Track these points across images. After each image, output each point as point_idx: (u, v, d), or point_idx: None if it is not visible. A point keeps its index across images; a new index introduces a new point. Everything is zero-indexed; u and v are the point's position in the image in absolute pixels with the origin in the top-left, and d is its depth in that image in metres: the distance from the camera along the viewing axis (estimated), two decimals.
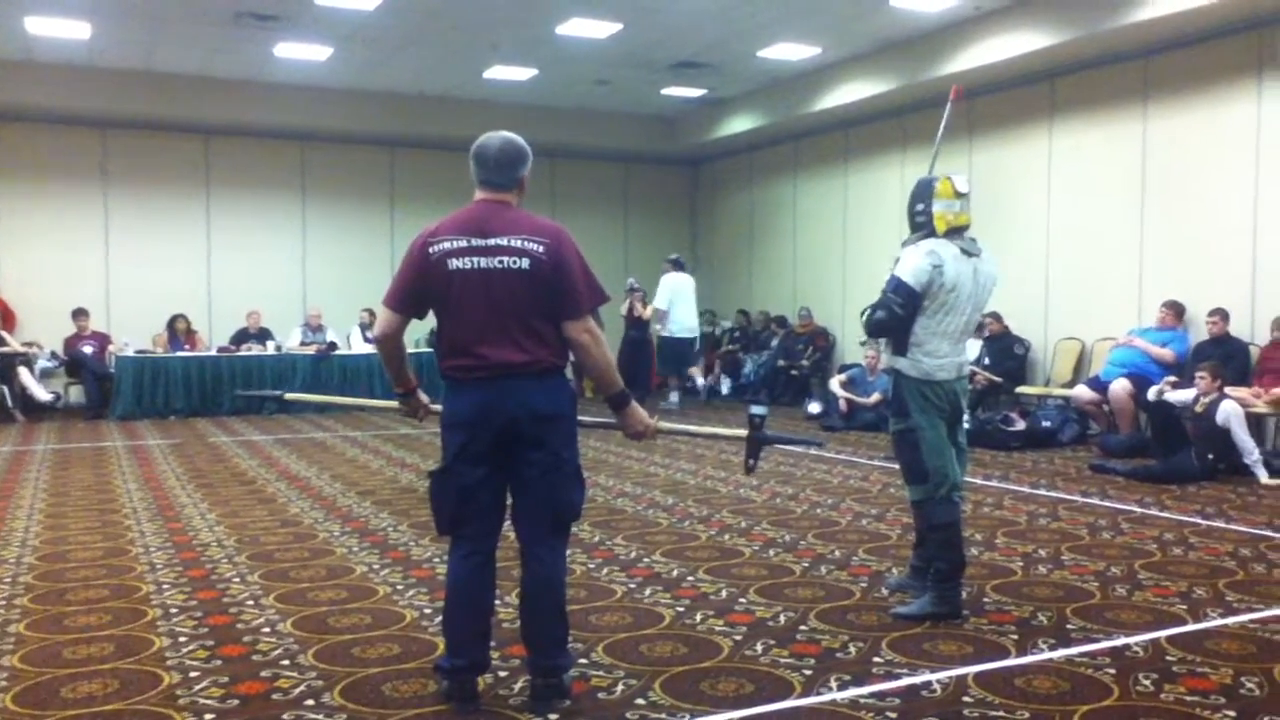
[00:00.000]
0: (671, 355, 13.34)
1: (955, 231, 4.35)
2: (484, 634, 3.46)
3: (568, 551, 3.68)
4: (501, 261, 3.33)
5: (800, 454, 9.30)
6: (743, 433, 3.95)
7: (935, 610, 4.26)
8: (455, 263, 3.34)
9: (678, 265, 13.66)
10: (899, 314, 4.27)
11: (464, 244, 3.35)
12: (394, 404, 3.83)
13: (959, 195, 4.35)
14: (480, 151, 3.52)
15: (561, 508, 3.44)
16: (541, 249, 3.36)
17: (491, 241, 3.35)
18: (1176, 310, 9.60)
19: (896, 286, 4.26)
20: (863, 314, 4.51)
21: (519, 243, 3.35)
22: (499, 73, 13.16)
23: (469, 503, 3.39)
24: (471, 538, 3.42)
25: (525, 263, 3.33)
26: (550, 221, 3.50)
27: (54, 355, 13.16)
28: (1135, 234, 10.42)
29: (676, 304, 13.12)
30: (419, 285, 3.40)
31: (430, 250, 3.37)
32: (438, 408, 3.57)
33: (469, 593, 3.42)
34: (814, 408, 12.17)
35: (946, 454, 4.34)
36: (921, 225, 4.40)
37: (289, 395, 3.87)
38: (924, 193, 4.40)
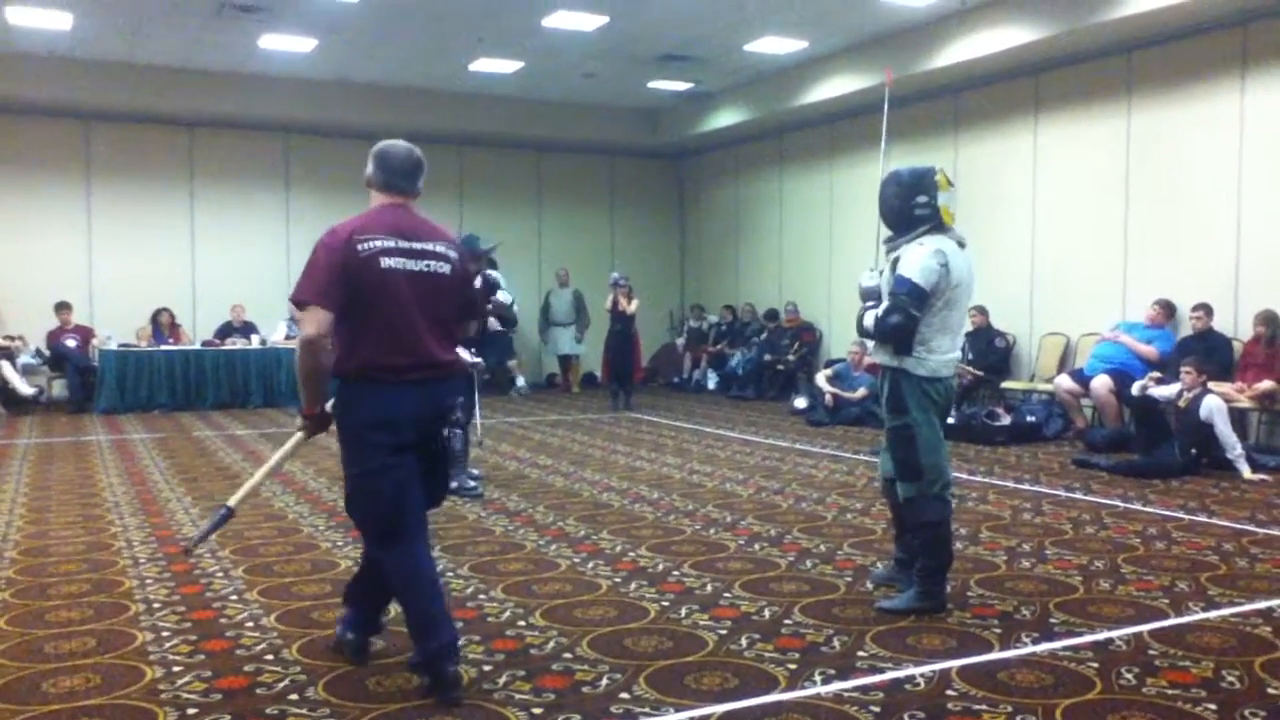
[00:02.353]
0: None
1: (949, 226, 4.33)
2: (442, 615, 3.48)
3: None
4: (429, 265, 3.49)
5: (786, 448, 9.32)
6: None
7: (920, 605, 4.28)
8: (387, 262, 3.40)
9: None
10: (915, 316, 4.17)
11: (393, 244, 3.43)
12: (298, 438, 3.66)
13: (952, 185, 4.35)
14: (390, 157, 3.58)
15: (442, 496, 3.77)
16: (457, 256, 3.60)
17: (418, 245, 3.48)
18: (1168, 309, 9.64)
19: (910, 289, 4.16)
20: (860, 318, 4.43)
21: (441, 249, 3.54)
22: (485, 65, 13.11)
23: (408, 497, 3.46)
24: (414, 532, 3.49)
25: (446, 268, 3.54)
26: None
27: (38, 353, 13.06)
28: (1119, 229, 10.46)
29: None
30: (346, 281, 3.36)
31: (360, 247, 3.38)
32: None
33: (425, 581, 3.48)
34: (800, 402, 12.19)
35: (942, 451, 4.33)
36: (924, 218, 4.28)
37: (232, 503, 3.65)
38: (926, 185, 4.29)
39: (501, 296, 6.98)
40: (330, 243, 3.41)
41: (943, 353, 4.26)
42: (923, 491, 4.29)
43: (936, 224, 4.27)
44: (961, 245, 4.33)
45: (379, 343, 3.40)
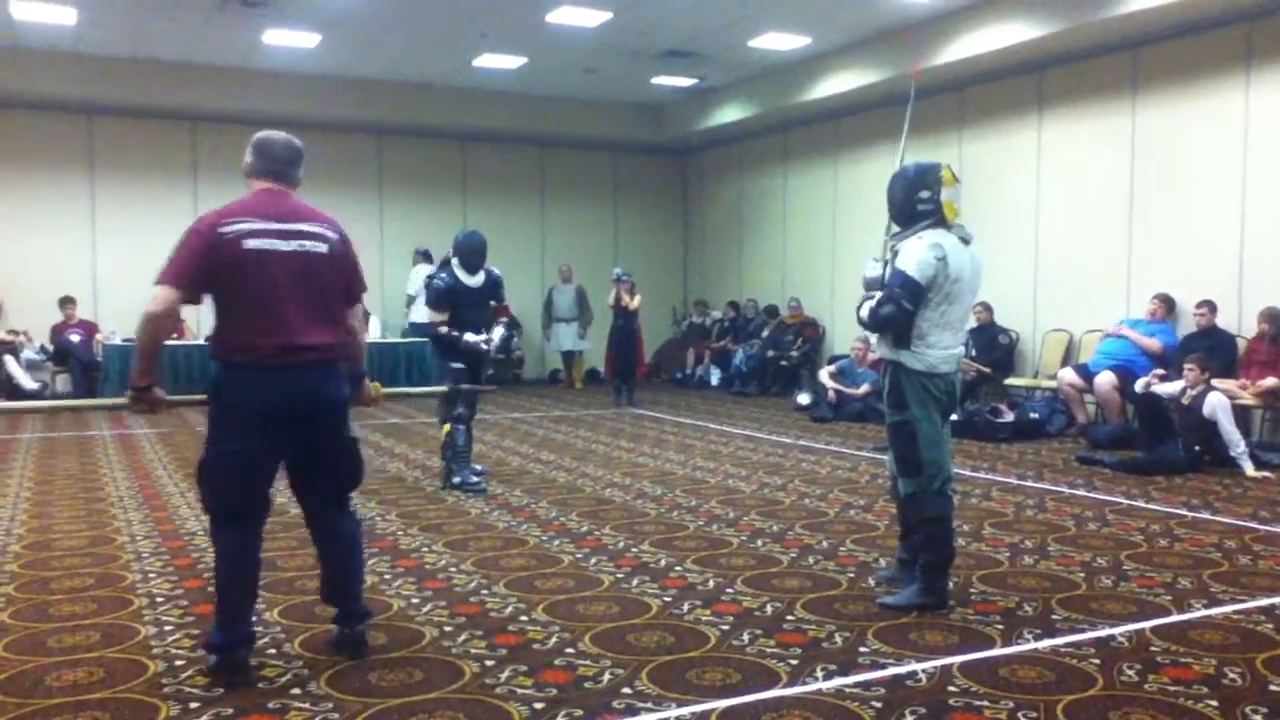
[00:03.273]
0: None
1: (954, 222, 4.31)
2: (251, 607, 3.61)
3: None
4: (303, 245, 3.47)
5: (789, 444, 9.32)
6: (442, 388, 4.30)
7: (922, 601, 4.27)
8: (252, 243, 3.39)
9: (426, 257, 14.12)
10: (907, 309, 4.18)
11: (261, 226, 3.42)
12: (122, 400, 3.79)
13: (957, 181, 4.33)
14: (270, 145, 3.61)
15: (346, 485, 3.73)
16: (336, 236, 3.58)
17: (291, 226, 3.47)
18: (1167, 304, 9.64)
19: (904, 282, 4.16)
20: (859, 308, 4.44)
21: (318, 228, 3.53)
22: (488, 61, 13.11)
23: (258, 482, 3.52)
24: (257, 515, 3.56)
25: (324, 248, 3.52)
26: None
27: (43, 349, 13.07)
28: (1124, 225, 10.44)
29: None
30: (207, 266, 3.40)
31: (222, 231, 3.39)
32: (170, 398, 3.72)
33: (251, 569, 3.54)
34: (803, 398, 12.18)
35: (943, 446, 4.32)
36: (927, 213, 4.27)
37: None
38: (930, 180, 4.28)
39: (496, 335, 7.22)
40: (196, 227, 3.44)
41: (942, 348, 4.24)
42: (924, 487, 4.29)
43: (939, 219, 4.26)
44: (965, 241, 4.31)
45: (246, 326, 3.42)
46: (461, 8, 10.96)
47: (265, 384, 3.44)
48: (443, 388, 7.03)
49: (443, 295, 7.09)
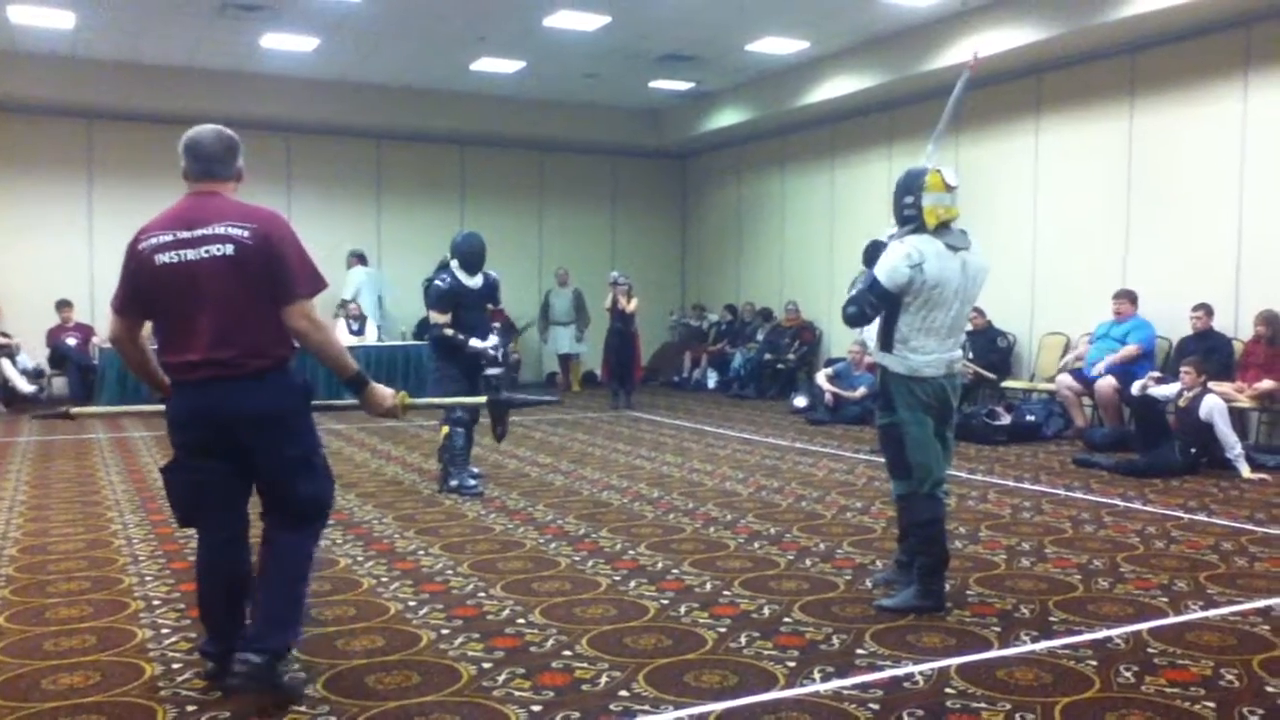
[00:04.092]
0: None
1: (944, 225, 4.27)
2: (236, 616, 3.42)
3: (320, 543, 3.55)
4: (207, 251, 3.21)
5: (786, 447, 9.32)
6: (482, 399, 3.99)
7: (919, 603, 4.28)
8: (162, 258, 3.23)
9: (362, 259, 14.35)
10: (869, 313, 4.28)
11: (169, 238, 3.25)
12: (161, 406, 3.57)
13: (949, 189, 4.28)
14: (195, 143, 3.37)
15: (299, 505, 3.38)
16: (247, 234, 3.22)
17: (197, 232, 3.24)
18: (1130, 298, 9.63)
19: (872, 284, 4.24)
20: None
21: (223, 229, 3.23)
22: (486, 65, 13.12)
23: (204, 497, 3.35)
24: (214, 528, 3.40)
25: (230, 249, 3.21)
26: (265, 208, 3.38)
27: (37, 369, 12.96)
28: (1121, 229, 10.46)
29: (370, 297, 14.24)
30: (133, 285, 3.30)
31: (140, 247, 3.28)
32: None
33: (216, 577, 3.41)
34: (800, 401, 12.19)
35: (931, 450, 4.32)
36: (910, 218, 4.30)
37: (74, 411, 3.97)
38: (914, 185, 4.30)
39: (475, 342, 7.13)
40: (128, 246, 3.34)
41: (926, 353, 4.24)
42: (913, 490, 4.32)
43: (920, 225, 4.27)
44: (955, 247, 4.26)
45: (164, 343, 3.34)
46: (459, 12, 10.97)
47: (183, 402, 3.33)
48: (479, 399, 7.05)
49: (445, 297, 7.08)
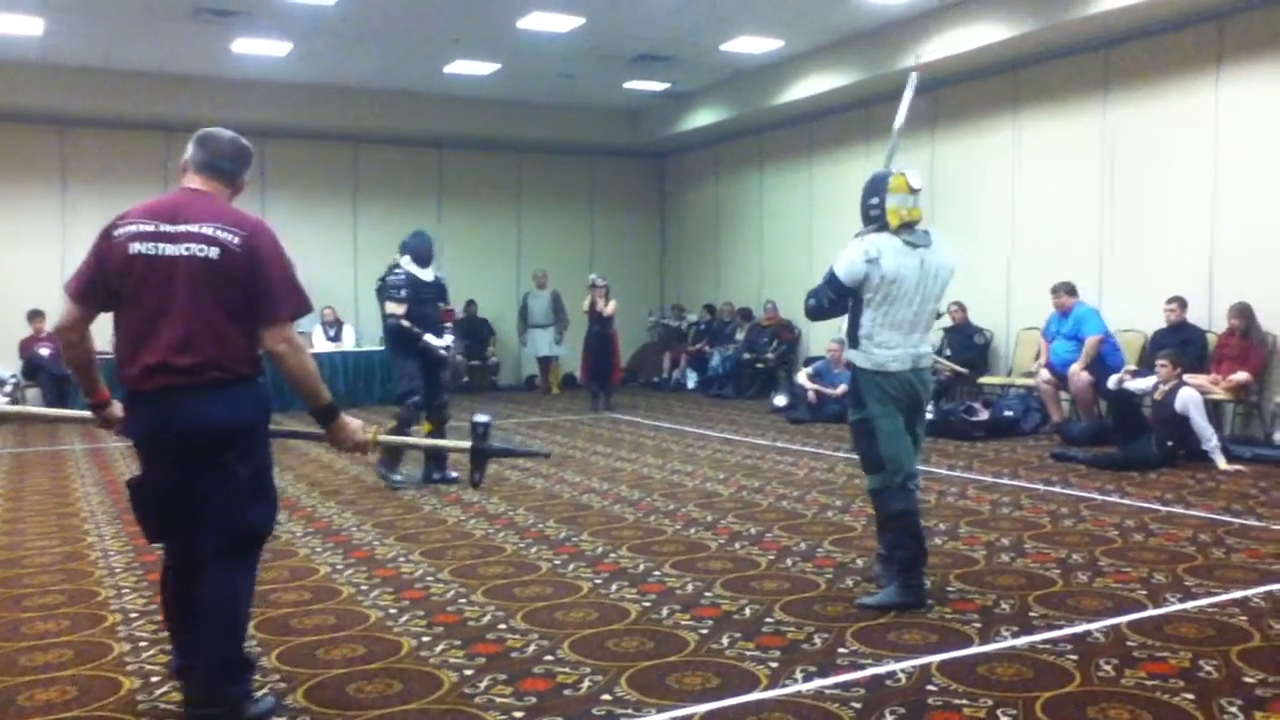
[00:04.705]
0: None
1: (907, 226, 4.41)
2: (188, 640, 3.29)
3: (256, 572, 3.37)
4: (188, 249, 3.03)
5: (766, 446, 9.33)
6: (466, 445, 3.83)
7: (900, 600, 4.30)
8: (136, 247, 3.04)
9: None
10: (825, 307, 4.47)
11: (150, 228, 3.06)
12: (87, 415, 3.49)
13: (913, 191, 4.43)
14: (209, 136, 3.26)
15: (236, 528, 3.15)
16: (236, 240, 3.05)
17: (181, 228, 3.05)
18: (1067, 289, 9.70)
19: (829, 279, 4.41)
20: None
21: (210, 230, 3.05)
22: (461, 67, 13.08)
23: (167, 513, 3.21)
24: (182, 543, 3.25)
25: (215, 252, 3.03)
26: (254, 216, 3.20)
27: (15, 381, 12.81)
28: (1096, 223, 10.52)
29: None
30: (98, 272, 3.11)
31: (114, 233, 3.09)
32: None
33: (178, 602, 3.27)
34: (780, 400, 12.20)
35: (901, 444, 4.39)
36: (875, 219, 4.45)
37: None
38: (878, 187, 4.46)
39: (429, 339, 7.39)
40: (102, 231, 3.16)
41: (889, 347, 4.35)
42: (885, 484, 4.38)
43: (883, 225, 4.42)
44: (912, 245, 4.38)
45: (125, 342, 3.11)
46: (432, 14, 10.93)
47: (141, 410, 3.13)
48: (462, 444, 7.16)
49: (402, 287, 7.34)
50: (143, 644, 4.02)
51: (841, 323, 4.61)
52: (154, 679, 3.64)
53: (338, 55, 12.46)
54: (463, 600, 4.57)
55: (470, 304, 15.76)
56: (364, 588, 4.80)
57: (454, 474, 7.14)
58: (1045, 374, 9.87)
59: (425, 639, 4.03)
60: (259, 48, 11.97)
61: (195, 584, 3.19)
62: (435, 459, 7.32)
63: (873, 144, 12.80)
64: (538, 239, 16.66)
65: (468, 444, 3.84)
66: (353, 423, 3.37)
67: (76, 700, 3.45)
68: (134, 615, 4.40)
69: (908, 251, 4.36)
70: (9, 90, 12.55)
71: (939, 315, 4.87)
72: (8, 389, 12.65)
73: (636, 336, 16.90)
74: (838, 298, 4.41)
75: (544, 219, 16.82)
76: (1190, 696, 3.32)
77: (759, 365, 14.11)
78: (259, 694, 3.39)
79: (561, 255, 16.41)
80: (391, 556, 5.39)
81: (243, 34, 11.49)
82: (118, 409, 3.35)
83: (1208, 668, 3.57)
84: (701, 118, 14.81)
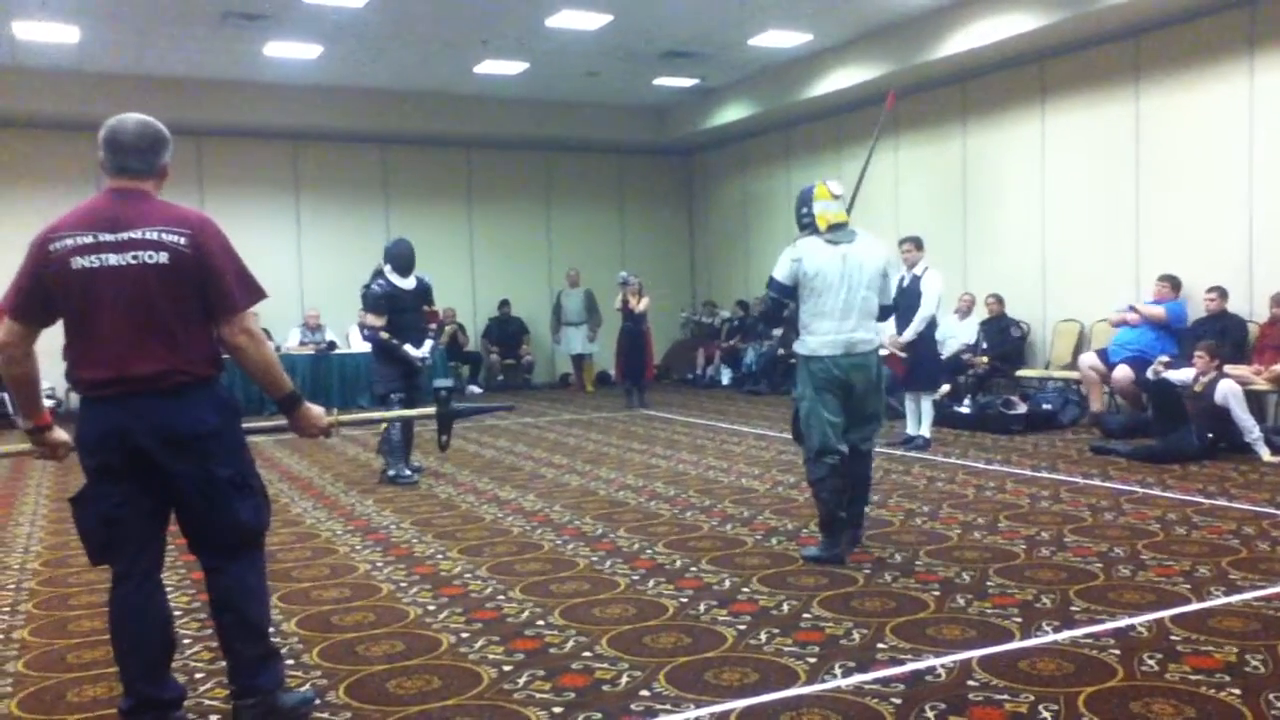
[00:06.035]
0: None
1: (836, 227, 5.09)
2: (155, 668, 3.13)
3: (264, 565, 3.31)
4: (136, 257, 2.94)
5: None
6: (431, 410, 3.97)
7: (820, 555, 4.98)
8: (80, 261, 2.94)
9: None
10: (768, 308, 5.33)
11: (89, 240, 2.96)
12: (24, 446, 3.36)
13: (835, 197, 5.16)
14: (114, 135, 3.08)
15: (227, 529, 3.10)
16: (183, 240, 2.97)
17: (124, 235, 2.95)
18: (1173, 283, 9.56)
19: (770, 282, 5.18)
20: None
21: (156, 234, 2.96)
22: (490, 67, 13.12)
23: (117, 529, 3.05)
24: (128, 567, 3.10)
25: (164, 256, 2.95)
26: (195, 211, 3.13)
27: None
28: (1131, 213, 10.40)
29: None
30: (39, 289, 3.00)
31: (51, 248, 2.98)
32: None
33: (131, 626, 3.10)
34: None
35: (816, 422, 4.97)
36: (808, 225, 5.14)
37: None
38: (806, 198, 5.19)
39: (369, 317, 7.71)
40: (31, 246, 3.04)
41: (821, 334, 5.01)
42: (807, 456, 5.05)
43: (815, 229, 5.10)
44: (834, 243, 5.03)
45: (77, 356, 3.02)
46: (461, 15, 10.97)
47: (95, 420, 3.02)
48: (427, 410, 7.31)
49: (380, 300, 7.63)
50: (186, 641, 4.07)
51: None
52: (198, 675, 3.69)
53: (368, 57, 12.54)
54: (501, 597, 4.59)
55: (504, 303, 15.83)
56: (403, 585, 4.83)
57: (409, 472, 7.61)
58: (1092, 358, 9.72)
59: (464, 635, 4.06)
60: (289, 51, 12.07)
61: (152, 599, 3.13)
62: (390, 457, 7.63)
63: (901, 137, 12.72)
64: (568, 238, 16.69)
65: (432, 409, 3.98)
66: (315, 409, 3.32)
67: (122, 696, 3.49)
68: (177, 613, 4.44)
69: (828, 248, 5.03)
70: (43, 98, 12.73)
71: (885, 306, 5.26)
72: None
73: (669, 333, 16.90)
74: (779, 297, 5.15)
75: (574, 217, 16.85)
76: (1237, 691, 3.28)
77: (792, 360, 14.03)
78: (301, 689, 3.43)
79: (592, 253, 16.43)
80: (429, 554, 5.42)
81: (273, 38, 11.59)
82: (60, 434, 3.22)
83: (1254, 662, 3.52)
84: (730, 113, 14.78)
